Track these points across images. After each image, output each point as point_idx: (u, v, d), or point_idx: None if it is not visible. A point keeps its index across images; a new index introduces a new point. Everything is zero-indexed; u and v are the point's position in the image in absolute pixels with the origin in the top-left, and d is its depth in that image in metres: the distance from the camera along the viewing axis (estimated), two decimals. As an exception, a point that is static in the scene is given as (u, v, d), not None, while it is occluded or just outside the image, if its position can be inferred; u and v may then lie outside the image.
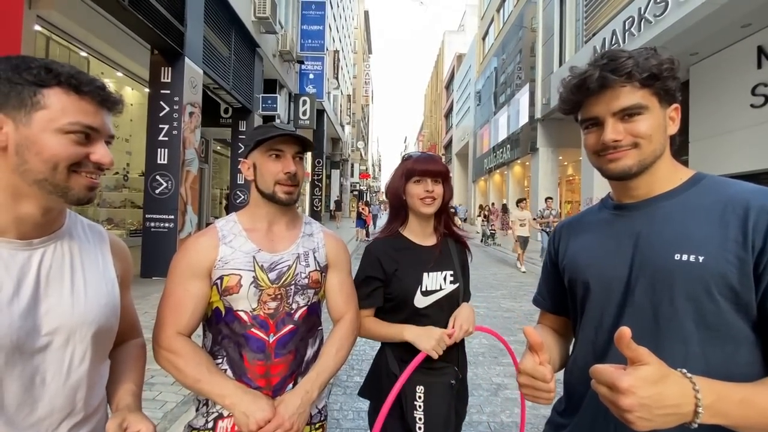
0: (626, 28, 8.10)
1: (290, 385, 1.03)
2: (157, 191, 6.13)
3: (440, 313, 1.25)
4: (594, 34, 10.15)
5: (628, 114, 0.69)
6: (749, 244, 0.61)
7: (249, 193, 1.10)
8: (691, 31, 6.69)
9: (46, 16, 5.90)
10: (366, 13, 45.26)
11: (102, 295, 0.75)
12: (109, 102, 0.68)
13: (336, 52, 20.11)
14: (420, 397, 1.19)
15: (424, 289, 1.24)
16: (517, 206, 9.42)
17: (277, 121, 6.50)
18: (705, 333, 0.63)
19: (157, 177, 6.14)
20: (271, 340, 1.00)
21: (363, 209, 15.71)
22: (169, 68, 6.17)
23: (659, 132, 0.70)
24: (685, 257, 0.65)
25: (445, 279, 1.27)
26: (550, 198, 9.34)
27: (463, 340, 1.29)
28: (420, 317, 1.25)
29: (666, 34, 6.94)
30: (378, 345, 1.34)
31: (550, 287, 0.92)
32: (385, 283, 1.27)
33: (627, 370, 0.53)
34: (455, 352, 1.26)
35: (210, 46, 7.48)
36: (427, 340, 1.15)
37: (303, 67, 14.02)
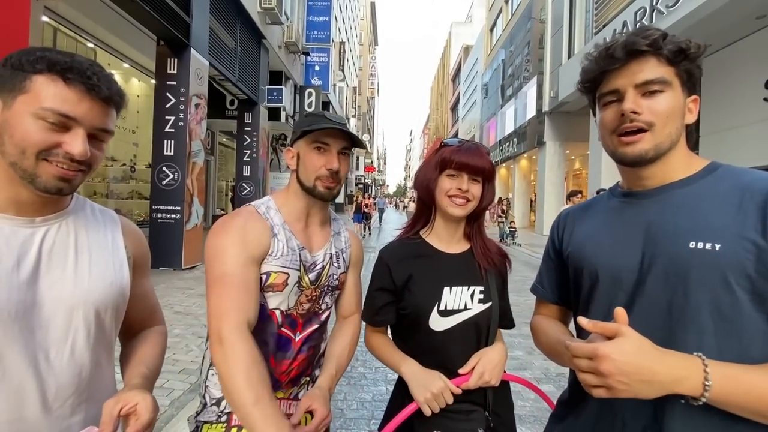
0: (637, 19, 7.95)
1: (305, 376, 1.04)
2: (164, 182, 6.17)
3: (463, 341, 0.98)
4: (604, 26, 9.97)
5: (650, 91, 0.66)
6: None
7: (288, 181, 1.04)
8: (704, 22, 6.54)
9: (53, 7, 5.91)
10: (372, 5, 44.81)
11: (108, 275, 0.75)
12: (96, 91, 0.65)
13: (342, 43, 19.98)
14: None
15: (442, 307, 0.98)
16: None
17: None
18: (720, 325, 0.61)
19: (164, 168, 6.17)
20: (297, 339, 0.98)
21: (367, 202, 14.68)
22: (176, 59, 6.17)
23: (677, 116, 0.68)
24: (701, 245, 0.62)
25: (472, 296, 1.00)
26: (579, 192, 6.60)
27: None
28: (436, 344, 0.99)
29: (678, 26, 6.80)
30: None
31: (551, 276, 0.90)
32: (397, 297, 1.03)
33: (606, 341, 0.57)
34: (486, 391, 0.99)
35: (216, 37, 7.46)
36: (423, 388, 0.91)
37: (308, 58, 13.95)
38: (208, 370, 0.98)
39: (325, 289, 1.02)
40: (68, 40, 7.80)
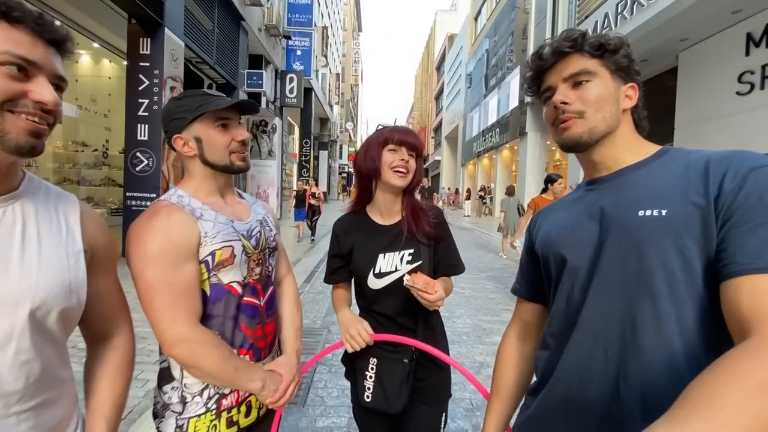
0: (619, 11, 8.03)
1: (277, 340, 1.12)
2: (138, 168, 5.95)
3: (396, 295, 1.19)
4: (586, 17, 10.04)
5: (577, 82, 0.73)
6: (711, 194, 0.61)
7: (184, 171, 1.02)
8: (682, 15, 6.66)
9: (13, -21, 5.52)
10: (356, -11, 43.91)
11: (60, 269, 0.67)
12: (47, 33, 0.59)
13: (324, 28, 19.54)
14: (372, 368, 1.19)
15: (377, 270, 1.21)
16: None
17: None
18: (675, 290, 0.62)
19: (138, 154, 5.94)
20: (262, 303, 1.03)
21: (315, 191, 9.53)
22: (148, 39, 5.89)
23: (610, 102, 0.73)
24: (648, 212, 0.65)
25: (402, 259, 1.21)
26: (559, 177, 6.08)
27: (433, 320, 1.26)
28: (376, 299, 1.23)
29: (658, 18, 6.91)
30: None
31: (526, 274, 0.91)
32: (346, 262, 1.27)
33: None
34: (414, 334, 1.21)
35: (192, 17, 7.16)
36: (345, 330, 1.15)
37: (290, 42, 13.59)
38: (181, 371, 0.95)
39: (267, 251, 1.08)
40: (32, 16, 7.34)
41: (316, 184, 10.56)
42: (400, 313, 1.21)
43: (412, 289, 1.07)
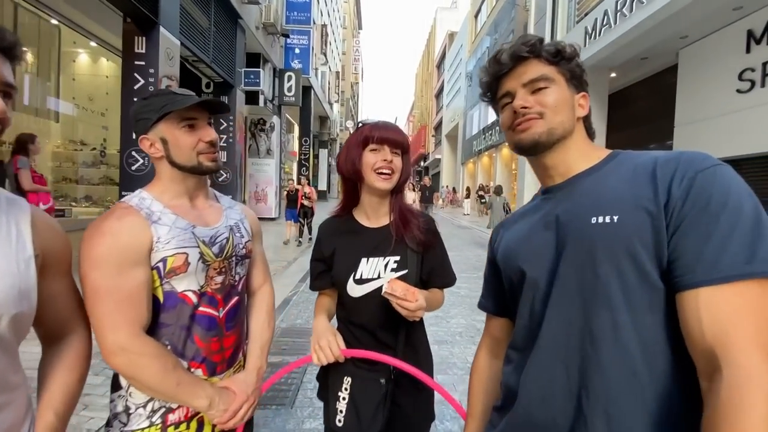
0: (618, 8, 7.96)
1: (240, 355, 1.06)
2: (134, 168, 5.93)
3: (377, 305, 1.08)
4: (586, 14, 9.97)
5: (537, 88, 0.73)
6: (660, 199, 0.60)
7: (155, 172, 0.98)
8: (683, 12, 6.59)
9: (8, -22, 5.50)
10: (356, -13, 43.79)
11: (9, 275, 0.66)
12: None
13: (324, 26, 19.46)
14: (346, 388, 1.09)
15: (358, 276, 1.11)
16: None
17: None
18: (631, 299, 0.60)
19: (133, 153, 5.92)
20: (221, 315, 0.98)
21: (308, 191, 9.01)
22: (143, 38, 5.86)
23: (566, 107, 0.73)
24: (600, 219, 0.63)
25: (386, 266, 1.11)
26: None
27: (416, 338, 1.16)
28: (354, 308, 1.14)
29: (658, 15, 6.83)
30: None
31: (491, 288, 0.90)
32: (328, 267, 1.18)
33: None
34: (393, 352, 1.11)
35: (187, 15, 7.12)
36: (314, 340, 1.05)
37: (288, 41, 13.54)
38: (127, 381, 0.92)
39: (234, 259, 1.02)
40: (30, 16, 7.32)
41: (309, 184, 9.65)
42: (380, 326, 1.12)
43: (390, 298, 0.98)
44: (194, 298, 0.94)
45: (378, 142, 1.09)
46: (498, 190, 8.96)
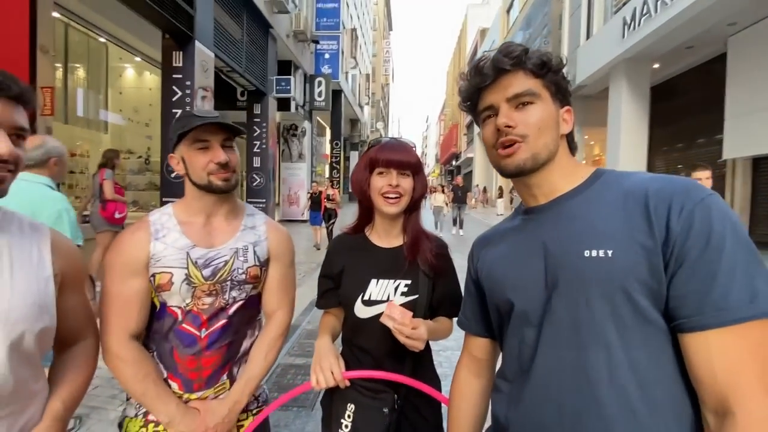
0: (659, -4, 7.51)
1: (224, 376, 1.04)
2: (173, 175, 6.28)
3: (383, 329, 0.99)
4: (624, 4, 9.46)
5: (521, 103, 0.69)
6: (655, 232, 0.58)
7: (183, 187, 1.06)
8: (730, -3, 6.12)
9: (63, 3, 6.01)
10: (386, -12, 43.91)
11: (30, 294, 0.75)
12: (4, 91, 0.65)
13: (353, 30, 19.68)
14: (349, 416, 1.02)
15: (366, 297, 1.07)
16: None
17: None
18: (626, 336, 0.58)
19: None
20: (202, 335, 1.00)
21: (332, 193, 8.93)
22: (180, 52, 6.21)
23: (551, 126, 0.70)
24: (594, 253, 0.61)
25: (396, 289, 1.07)
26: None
27: (424, 362, 1.11)
28: (360, 329, 1.10)
29: (702, 2, 6.38)
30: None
31: (473, 307, 0.86)
32: (336, 285, 1.14)
33: None
34: (397, 386, 1.04)
35: (221, 28, 7.46)
36: (316, 362, 0.99)
37: (318, 47, 13.83)
38: None
39: (228, 284, 1.02)
40: (80, 35, 7.95)
41: (332, 185, 9.40)
42: (386, 353, 1.06)
43: (387, 322, 0.94)
44: (179, 314, 0.99)
45: (384, 166, 1.06)
46: (511, 190, 9.00)
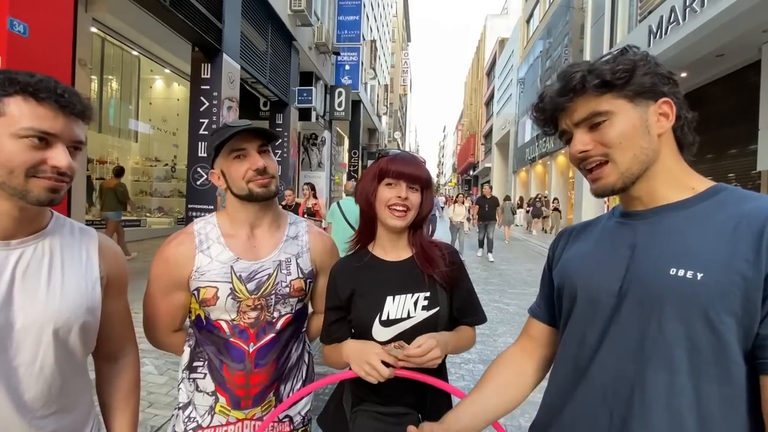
0: (687, 3, 7.33)
1: (271, 394, 1.02)
2: (198, 182, 6.44)
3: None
4: (650, 12, 9.30)
5: (594, 123, 0.64)
6: (762, 264, 0.52)
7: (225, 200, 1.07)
8: (765, 2, 5.93)
9: (101, 19, 6.30)
10: (405, 0, 44.51)
11: (79, 294, 0.77)
12: (69, 108, 0.69)
13: (373, 41, 19.96)
14: None
15: (384, 317, 0.98)
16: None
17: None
18: (699, 365, 0.55)
19: (198, 169, 6.44)
20: (251, 350, 0.98)
21: (314, 204, 6.95)
22: (209, 64, 6.40)
23: (636, 135, 0.63)
24: (681, 272, 0.56)
25: (416, 304, 0.99)
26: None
27: (441, 372, 1.02)
28: None
29: (734, 9, 6.20)
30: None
31: (544, 294, 0.85)
32: (346, 312, 1.04)
33: None
34: (424, 394, 0.97)
35: (247, 41, 7.67)
36: (361, 361, 0.89)
37: (339, 58, 14.07)
38: (181, 374, 1.03)
39: (273, 297, 1.00)
40: (115, 49, 8.34)
41: (314, 195, 7.20)
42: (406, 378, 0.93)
43: (401, 365, 0.87)
44: (227, 329, 0.98)
45: (394, 177, 1.00)
46: (507, 198, 9.31)
